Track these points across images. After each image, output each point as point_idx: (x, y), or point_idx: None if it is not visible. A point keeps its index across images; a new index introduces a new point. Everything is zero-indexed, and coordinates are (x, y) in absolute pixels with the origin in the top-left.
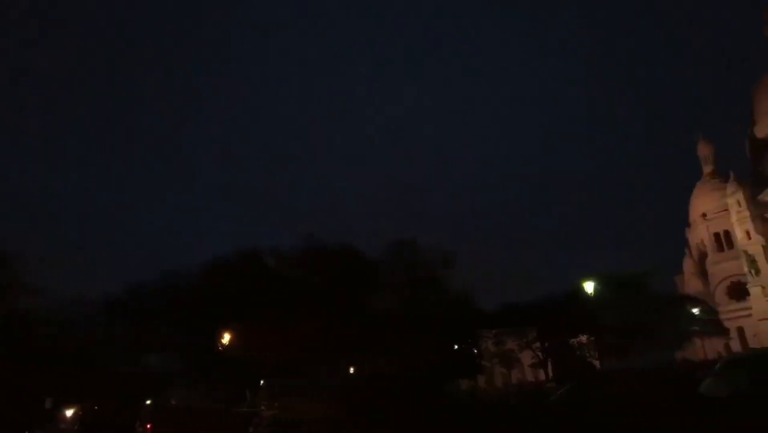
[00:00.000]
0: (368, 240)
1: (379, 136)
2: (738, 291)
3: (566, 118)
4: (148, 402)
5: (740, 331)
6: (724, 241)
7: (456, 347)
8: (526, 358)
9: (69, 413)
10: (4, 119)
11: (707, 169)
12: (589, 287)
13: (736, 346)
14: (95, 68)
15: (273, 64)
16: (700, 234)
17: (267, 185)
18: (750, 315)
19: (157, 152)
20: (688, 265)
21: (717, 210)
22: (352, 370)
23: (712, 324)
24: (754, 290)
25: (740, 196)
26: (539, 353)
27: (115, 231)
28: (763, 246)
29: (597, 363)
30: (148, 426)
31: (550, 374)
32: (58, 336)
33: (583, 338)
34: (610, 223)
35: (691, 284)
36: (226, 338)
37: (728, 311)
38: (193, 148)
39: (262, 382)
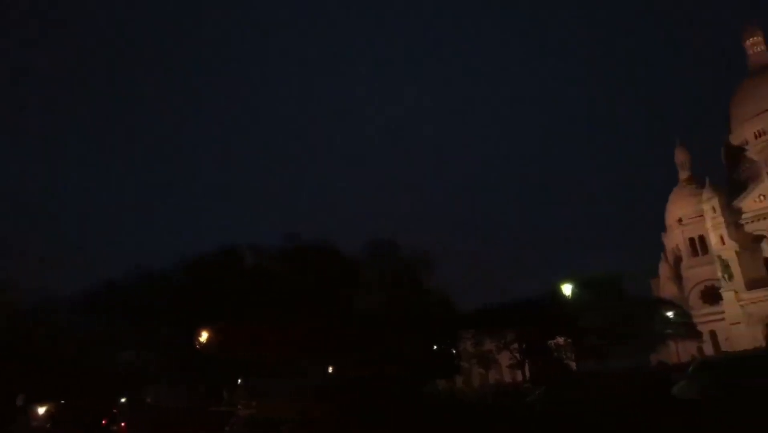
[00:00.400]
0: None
1: (379, 136)
2: (711, 295)
3: (566, 118)
4: (123, 400)
5: (713, 334)
6: (698, 246)
7: (435, 347)
8: (504, 359)
9: (41, 410)
10: (4, 119)
11: (683, 175)
12: (566, 289)
13: (708, 349)
14: (95, 68)
15: (273, 64)
16: (675, 239)
17: (267, 185)
18: (723, 319)
19: (157, 152)
20: (664, 269)
21: (693, 215)
22: (330, 369)
23: (686, 327)
24: (727, 295)
25: (715, 202)
26: (517, 354)
27: (115, 231)
28: (737, 252)
29: (573, 365)
30: (122, 425)
31: (527, 375)
32: (35, 333)
33: (561, 340)
34: (610, 223)
35: (667, 287)
36: (204, 336)
37: (702, 314)
38: (193, 148)
39: (239, 381)
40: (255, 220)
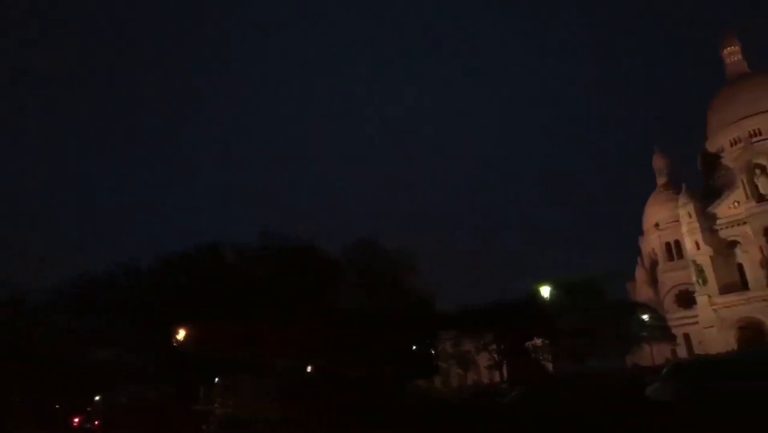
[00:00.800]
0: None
1: (379, 136)
2: (686, 299)
3: (566, 118)
4: (97, 398)
5: (686, 337)
6: (674, 250)
7: (414, 347)
8: (483, 360)
9: (11, 408)
10: (4, 119)
11: (661, 180)
12: (545, 291)
13: (682, 352)
14: (95, 68)
15: (273, 64)
16: (652, 243)
17: (267, 185)
18: (696, 322)
19: (157, 152)
20: (640, 273)
21: (669, 220)
22: (310, 369)
23: (661, 330)
24: (701, 299)
25: (691, 207)
26: (495, 356)
27: (115, 231)
28: (711, 257)
29: (550, 366)
30: (97, 423)
31: (505, 376)
32: (8, 330)
33: (538, 342)
34: (610, 223)
35: (643, 291)
36: (181, 334)
37: (676, 318)
38: (193, 148)
39: (217, 379)
40: (255, 220)
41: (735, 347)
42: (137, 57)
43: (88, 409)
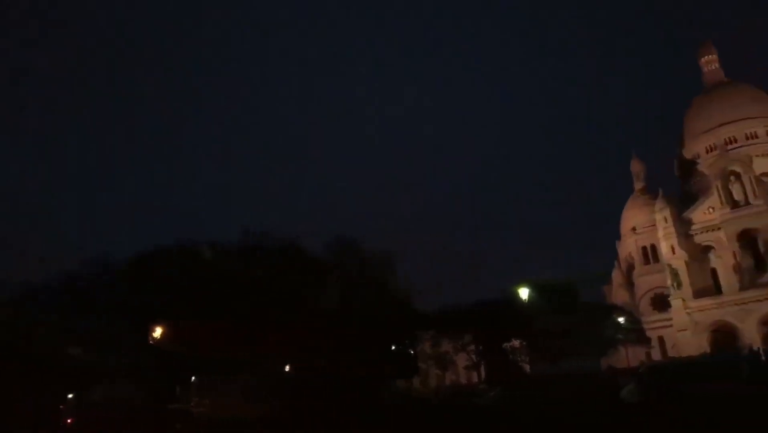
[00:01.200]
0: (367, 240)
1: (379, 136)
2: (661, 303)
3: (566, 118)
4: (70, 396)
5: (661, 340)
6: (650, 254)
7: (393, 347)
8: (461, 360)
9: None
10: (4, 119)
11: (638, 185)
12: (523, 293)
13: (656, 355)
14: (95, 68)
15: (273, 64)
16: (628, 247)
17: (267, 185)
18: (671, 326)
19: (157, 152)
20: (617, 276)
21: (646, 225)
22: (288, 368)
23: (636, 333)
24: (675, 302)
25: (667, 213)
26: (473, 356)
27: (115, 231)
28: (686, 261)
29: (527, 367)
30: (69, 421)
31: (483, 376)
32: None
33: (516, 343)
34: (609, 223)
35: (619, 294)
36: (158, 332)
37: (651, 321)
38: (193, 148)
39: (193, 378)
40: (255, 220)
41: (708, 350)
42: (137, 57)
43: (61, 407)
